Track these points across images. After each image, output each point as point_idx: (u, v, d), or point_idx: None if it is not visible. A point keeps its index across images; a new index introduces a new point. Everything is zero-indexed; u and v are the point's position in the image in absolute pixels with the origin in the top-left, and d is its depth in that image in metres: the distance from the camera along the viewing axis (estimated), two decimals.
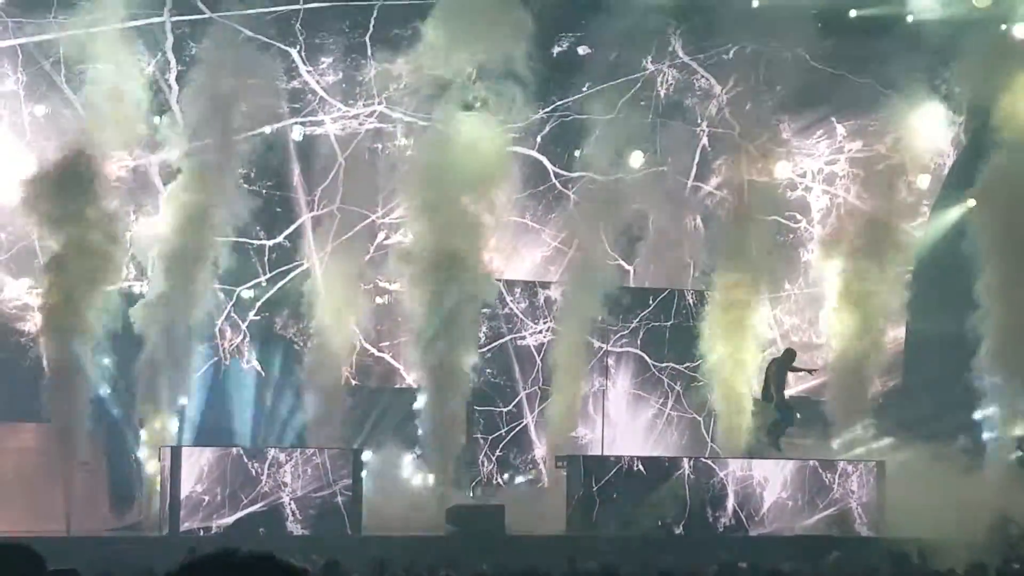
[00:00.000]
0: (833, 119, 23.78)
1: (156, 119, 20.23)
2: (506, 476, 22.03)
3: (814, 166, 24.09)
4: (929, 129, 23.43)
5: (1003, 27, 22.68)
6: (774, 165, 23.06)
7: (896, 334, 23.80)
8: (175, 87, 20.39)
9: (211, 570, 2.17)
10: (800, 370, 21.54)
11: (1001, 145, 21.89)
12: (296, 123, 21.80)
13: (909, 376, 23.87)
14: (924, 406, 22.43)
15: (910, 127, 23.19)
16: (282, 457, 18.48)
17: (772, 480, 19.77)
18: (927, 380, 23.04)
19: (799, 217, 24.06)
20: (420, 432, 20.23)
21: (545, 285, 22.73)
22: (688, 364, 22.73)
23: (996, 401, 21.66)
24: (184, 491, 17.86)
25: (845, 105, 23.39)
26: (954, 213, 23.83)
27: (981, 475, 21.29)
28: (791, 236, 23.95)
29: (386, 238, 21.95)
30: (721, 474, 19.60)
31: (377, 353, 22.16)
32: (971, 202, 23.14)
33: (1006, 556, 15.59)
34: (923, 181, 23.96)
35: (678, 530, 19.10)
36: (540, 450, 22.09)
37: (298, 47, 21.59)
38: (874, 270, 22.42)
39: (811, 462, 20.22)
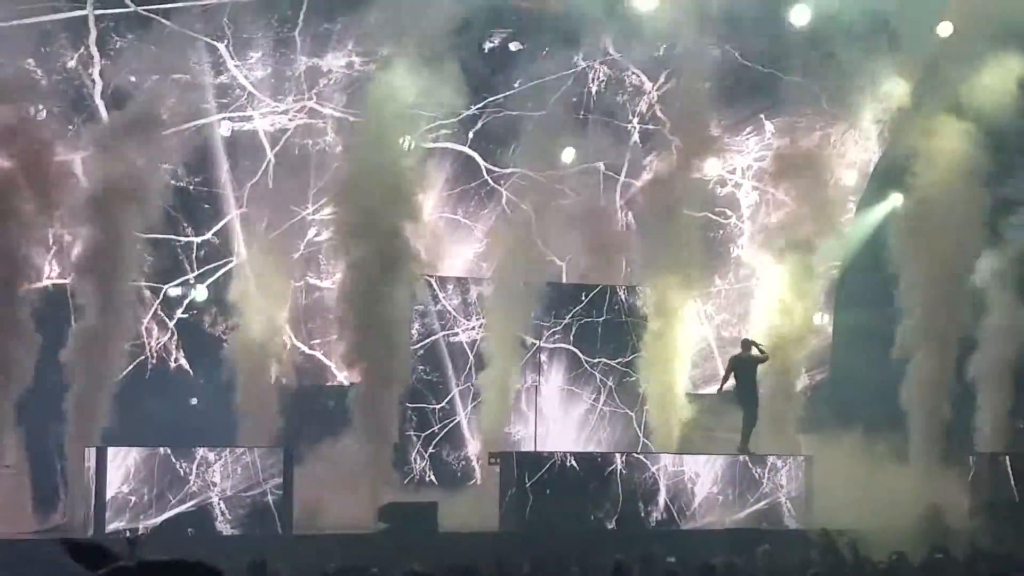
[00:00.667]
0: (762, 116, 23.96)
1: (79, 115, 19.93)
2: (439, 473, 21.97)
3: (743, 162, 24.27)
4: (856, 127, 23.69)
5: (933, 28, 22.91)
6: (704, 161, 23.18)
7: (824, 328, 24.04)
8: (99, 82, 20.10)
9: None
10: (760, 359, 21.29)
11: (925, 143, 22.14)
12: (224, 118, 21.61)
13: (836, 369, 24.11)
14: (851, 399, 22.66)
15: (837, 124, 23.45)
16: (211, 456, 18.28)
17: (703, 475, 19.87)
18: (854, 373, 23.28)
19: (729, 213, 24.23)
20: (352, 430, 20.09)
21: (477, 282, 22.70)
22: (620, 360, 22.80)
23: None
24: (110, 492, 17.62)
25: (774, 103, 23.58)
26: (880, 209, 24.11)
27: (908, 466, 21.56)
28: (721, 232, 24.12)
29: (316, 235, 21.81)
30: (653, 469, 19.66)
31: (308, 351, 22.01)
32: (896, 197, 23.42)
33: (932, 546, 15.74)
34: (850, 177, 24.22)
35: (610, 525, 19.14)
36: (473, 447, 22.06)
37: (226, 41, 21.39)
38: (802, 266, 22.58)
39: (741, 457, 20.35)
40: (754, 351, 21.21)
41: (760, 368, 21.87)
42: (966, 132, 21.81)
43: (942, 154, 21.88)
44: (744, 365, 21.14)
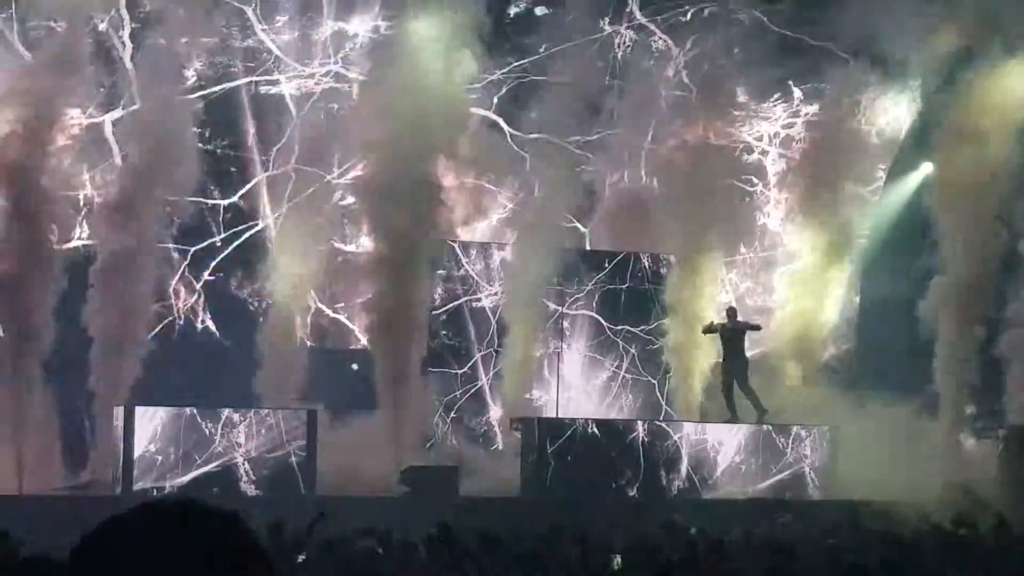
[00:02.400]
0: (790, 82, 23.80)
1: (110, 77, 20.00)
2: (460, 438, 22.04)
3: (771, 129, 24.14)
4: (886, 93, 23.51)
5: None
6: (731, 128, 23.08)
7: (851, 297, 23.92)
8: (128, 44, 20.15)
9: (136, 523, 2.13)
10: (752, 327, 21.04)
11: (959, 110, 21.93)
12: (251, 81, 21.64)
13: (862, 340, 24.02)
14: (878, 369, 22.58)
15: (866, 91, 23.26)
16: (236, 417, 18.42)
17: (726, 444, 19.86)
18: (880, 344, 23.19)
19: (755, 180, 24.12)
20: (374, 393, 20.19)
21: (501, 247, 22.71)
22: (643, 327, 22.79)
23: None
24: (137, 451, 17.78)
25: (802, 69, 23.40)
26: (911, 178, 23.94)
27: (933, 438, 21.47)
28: (747, 199, 24.02)
29: (341, 199, 21.84)
30: (675, 437, 19.67)
31: (332, 314, 22.10)
32: (928, 166, 23.26)
33: (956, 521, 15.67)
34: (879, 146, 24.04)
35: (632, 493, 19.18)
36: (495, 412, 22.12)
37: (253, 4, 21.40)
38: (829, 234, 22.49)
39: (764, 426, 20.31)
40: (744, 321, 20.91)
41: (785, 337, 21.86)
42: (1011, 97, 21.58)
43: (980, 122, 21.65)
44: (733, 334, 20.82)
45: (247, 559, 2.12)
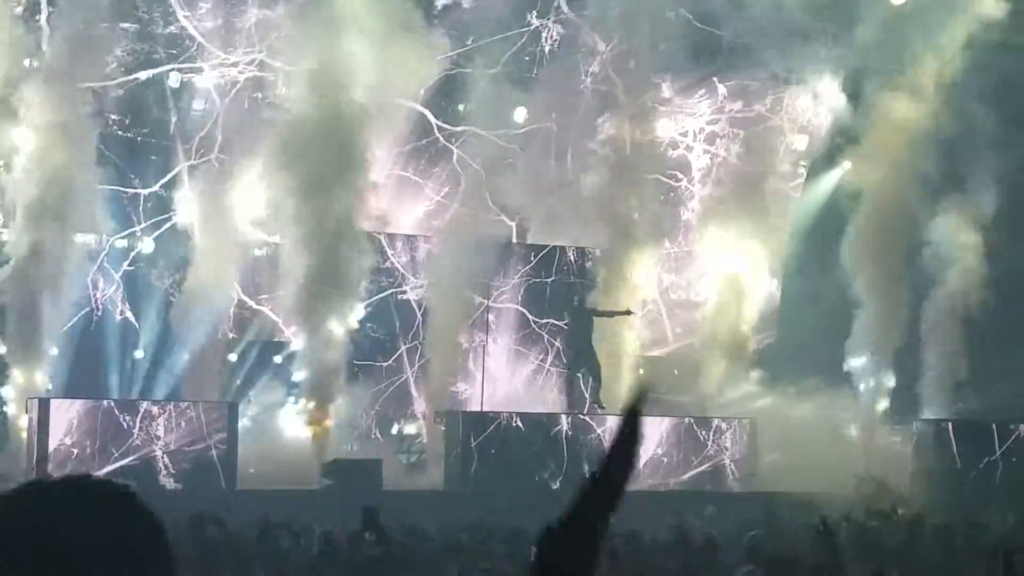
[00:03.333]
0: (715, 79, 23.93)
1: (26, 62, 19.63)
2: (384, 430, 21.94)
3: (695, 125, 24.25)
4: (808, 91, 23.72)
5: None
6: (656, 123, 23.16)
7: (772, 291, 24.12)
8: (46, 29, 19.80)
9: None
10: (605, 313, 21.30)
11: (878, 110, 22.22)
12: (173, 69, 21.35)
13: (784, 332, 24.24)
14: (798, 363, 22.80)
15: (789, 89, 23.47)
16: (155, 410, 18.18)
17: (649, 437, 19.92)
18: (802, 336, 23.42)
19: (680, 176, 24.22)
20: (298, 386, 20.03)
21: (427, 239, 22.61)
22: (568, 321, 22.79)
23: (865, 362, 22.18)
24: (52, 443, 17.50)
25: (727, 65, 23.54)
26: (831, 174, 24.20)
27: (850, 431, 21.76)
28: (672, 195, 24.11)
29: (265, 188, 21.60)
30: (599, 430, 19.71)
31: (255, 306, 21.88)
32: (846, 164, 23.51)
33: (869, 512, 15.88)
34: (801, 142, 24.27)
35: (555, 486, 19.19)
36: (420, 405, 22.04)
37: None
38: (751, 229, 22.66)
39: (686, 419, 20.43)
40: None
41: (708, 331, 22.00)
42: (920, 98, 21.91)
43: (895, 120, 21.96)
44: (585, 321, 20.98)
45: (141, 535, 2.11)
